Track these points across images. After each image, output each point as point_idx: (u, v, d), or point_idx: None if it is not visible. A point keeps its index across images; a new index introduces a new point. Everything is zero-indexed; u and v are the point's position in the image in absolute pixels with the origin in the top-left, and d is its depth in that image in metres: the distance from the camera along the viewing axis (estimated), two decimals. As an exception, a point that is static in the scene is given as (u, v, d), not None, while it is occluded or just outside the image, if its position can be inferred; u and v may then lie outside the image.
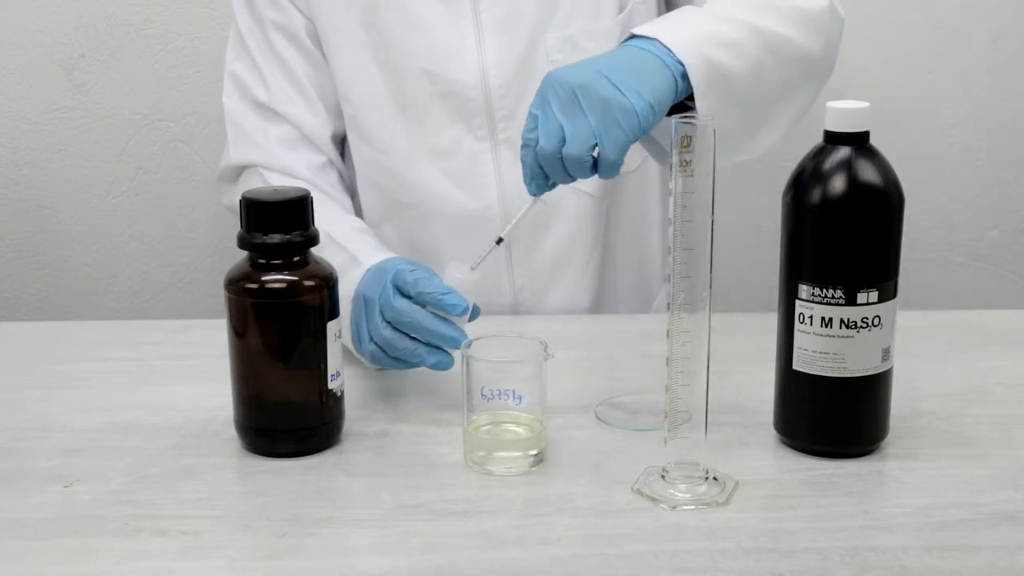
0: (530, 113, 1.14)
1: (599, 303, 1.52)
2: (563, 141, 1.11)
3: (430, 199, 1.45)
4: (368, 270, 1.23)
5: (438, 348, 1.15)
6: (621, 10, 1.43)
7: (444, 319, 1.14)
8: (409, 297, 1.15)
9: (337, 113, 1.47)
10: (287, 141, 1.44)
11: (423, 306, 1.14)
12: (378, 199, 1.47)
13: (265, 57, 1.44)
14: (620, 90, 1.11)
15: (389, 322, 1.15)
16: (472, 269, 1.16)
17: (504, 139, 1.42)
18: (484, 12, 1.39)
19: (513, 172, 1.42)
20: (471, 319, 1.16)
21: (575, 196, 1.46)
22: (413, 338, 1.15)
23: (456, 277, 1.15)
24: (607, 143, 1.11)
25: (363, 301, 1.19)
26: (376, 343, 1.17)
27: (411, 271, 1.15)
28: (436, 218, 1.45)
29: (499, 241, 1.18)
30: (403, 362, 1.17)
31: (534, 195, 1.15)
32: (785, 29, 1.28)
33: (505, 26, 1.40)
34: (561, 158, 1.12)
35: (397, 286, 1.15)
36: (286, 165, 1.41)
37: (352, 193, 1.50)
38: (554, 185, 1.15)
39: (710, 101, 1.17)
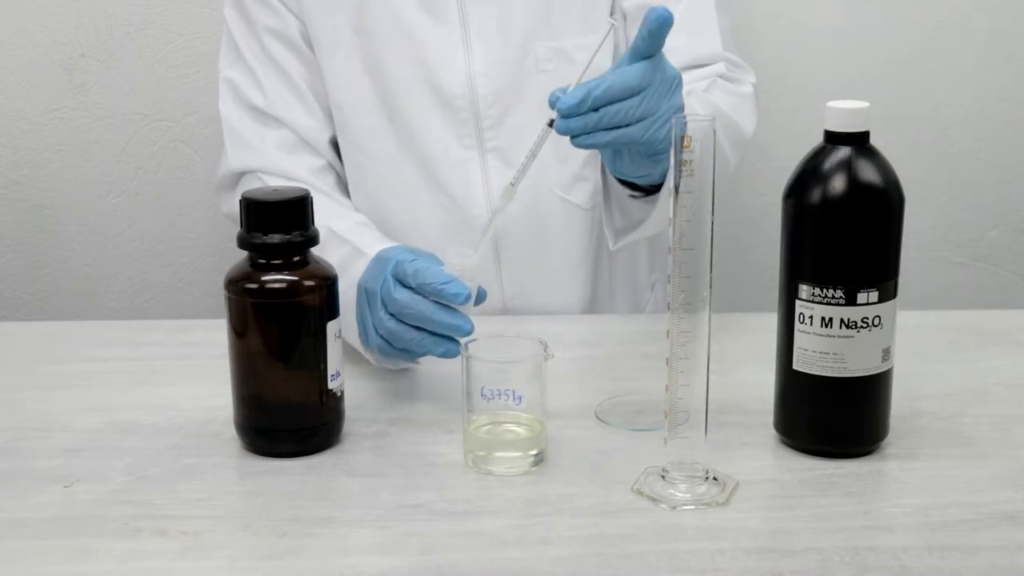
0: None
1: (588, 312, 1.52)
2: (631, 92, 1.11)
3: (418, 205, 1.45)
4: (369, 261, 1.23)
5: (444, 337, 1.14)
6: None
7: (448, 307, 1.12)
8: (410, 288, 1.13)
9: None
10: (285, 145, 1.43)
11: (425, 296, 1.13)
12: (367, 203, 1.47)
13: (260, 62, 1.44)
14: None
15: (392, 314, 1.14)
16: (512, 185, 1.14)
17: (492, 147, 1.42)
18: (473, 20, 1.40)
19: (501, 181, 1.42)
20: (476, 303, 1.14)
21: (564, 208, 1.46)
22: (418, 328, 1.14)
23: (457, 264, 1.13)
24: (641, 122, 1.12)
25: (365, 294, 1.19)
26: (382, 336, 1.16)
27: (411, 261, 1.14)
28: (424, 224, 1.45)
29: (532, 156, 1.15)
30: (410, 353, 1.16)
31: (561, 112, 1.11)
32: (748, 123, 1.43)
33: (494, 35, 1.40)
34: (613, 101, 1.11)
35: (397, 277, 1.14)
36: (285, 169, 1.41)
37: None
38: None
39: (663, 203, 1.27)
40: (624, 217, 1.34)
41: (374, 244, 1.27)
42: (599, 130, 1.10)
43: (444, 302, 1.12)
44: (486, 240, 1.16)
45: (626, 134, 1.11)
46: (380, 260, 1.20)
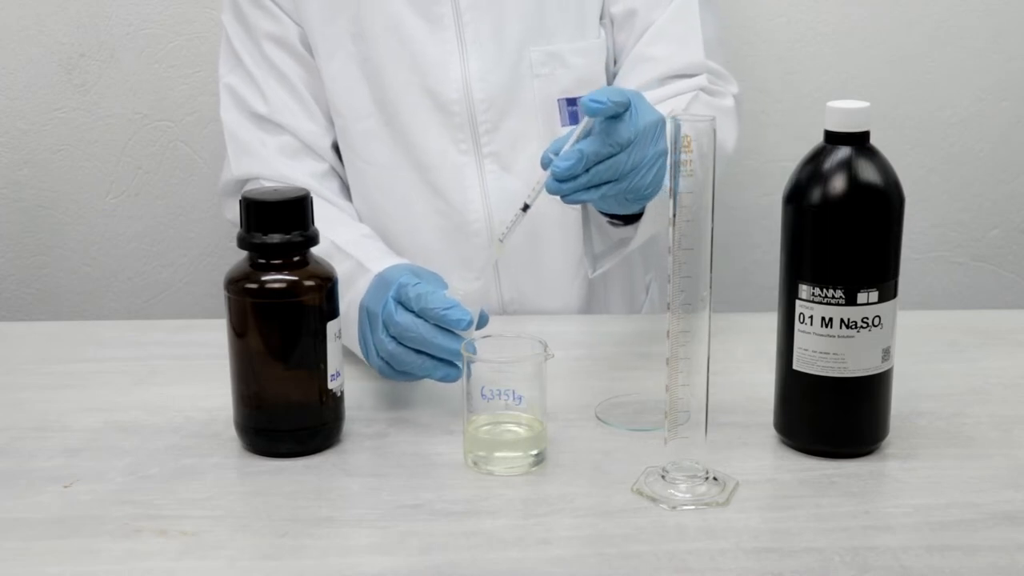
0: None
1: (585, 314, 1.53)
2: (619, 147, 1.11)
3: (416, 210, 1.45)
4: (373, 279, 1.23)
5: (444, 361, 1.13)
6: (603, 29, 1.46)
7: (449, 332, 1.11)
8: (412, 311, 1.13)
9: None
10: (288, 151, 1.43)
11: (426, 320, 1.12)
12: (366, 208, 1.47)
13: (260, 68, 1.44)
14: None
15: (393, 337, 1.14)
16: (500, 241, 1.13)
17: (488, 152, 1.42)
18: (468, 26, 1.40)
19: (497, 185, 1.43)
20: (479, 328, 1.14)
21: (561, 211, 1.46)
22: (419, 352, 1.13)
23: (460, 289, 1.13)
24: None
25: (366, 315, 1.19)
26: (382, 357, 1.16)
27: (414, 285, 1.13)
28: (422, 229, 1.45)
29: (525, 208, 1.13)
30: (411, 375, 1.16)
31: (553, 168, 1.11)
32: (728, 138, 1.43)
33: (489, 41, 1.40)
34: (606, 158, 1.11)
35: (399, 300, 1.13)
36: (288, 175, 1.41)
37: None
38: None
39: (645, 225, 1.30)
40: (604, 240, 1.35)
41: (378, 259, 1.27)
42: (588, 188, 1.11)
43: (446, 327, 1.12)
44: (488, 269, 1.16)
45: (614, 187, 1.12)
46: (383, 281, 1.20)
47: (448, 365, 1.13)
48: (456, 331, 1.11)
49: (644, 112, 1.13)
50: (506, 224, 1.14)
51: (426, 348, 1.12)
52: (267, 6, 1.43)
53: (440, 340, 1.11)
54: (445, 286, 1.14)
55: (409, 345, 1.13)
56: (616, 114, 1.10)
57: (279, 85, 1.44)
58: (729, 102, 1.45)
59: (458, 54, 1.40)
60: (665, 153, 1.14)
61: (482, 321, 1.14)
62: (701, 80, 1.43)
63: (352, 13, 1.41)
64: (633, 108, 1.12)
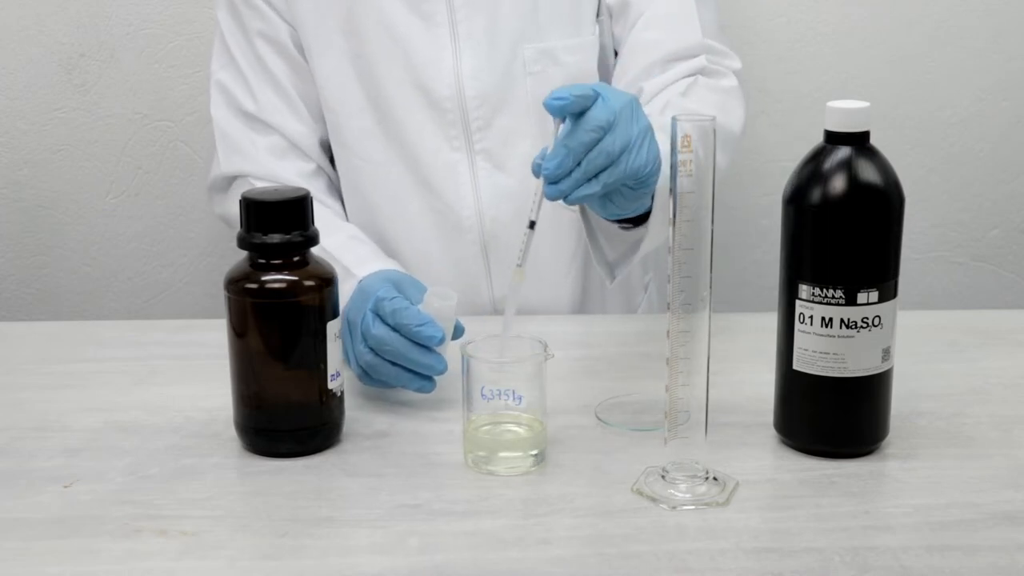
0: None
1: (580, 312, 1.52)
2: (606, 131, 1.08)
3: (409, 207, 1.45)
4: (354, 288, 1.24)
5: (419, 374, 1.16)
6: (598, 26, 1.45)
7: (424, 346, 1.14)
8: (389, 324, 1.15)
9: (323, 120, 1.47)
10: (276, 150, 1.44)
11: (402, 334, 1.14)
12: (360, 205, 1.48)
13: (251, 67, 1.44)
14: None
15: (371, 348, 1.16)
16: (519, 266, 1.12)
17: (480, 149, 1.42)
18: (461, 23, 1.40)
19: (489, 183, 1.43)
20: (454, 339, 1.16)
21: (553, 209, 1.45)
22: (395, 364, 1.15)
23: (435, 305, 1.15)
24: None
25: (347, 324, 1.21)
26: (361, 366, 1.18)
27: (390, 299, 1.15)
28: (415, 226, 1.45)
29: (532, 226, 1.12)
30: (387, 384, 1.18)
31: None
32: (735, 120, 1.41)
33: (482, 38, 1.41)
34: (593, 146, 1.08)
35: (377, 313, 1.16)
36: (276, 174, 1.42)
37: (341, 198, 1.50)
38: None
39: (656, 223, 1.24)
40: (614, 249, 1.34)
41: (364, 264, 1.29)
42: (587, 180, 1.08)
43: (420, 342, 1.14)
44: (510, 322, 1.13)
45: (612, 173, 1.08)
46: (362, 292, 1.22)
47: (423, 378, 1.16)
48: (430, 346, 1.14)
49: (614, 95, 1.10)
50: (519, 249, 1.12)
51: (401, 361, 1.15)
52: (258, 6, 1.43)
53: (415, 355, 1.14)
54: (425, 290, 1.16)
55: (386, 357, 1.15)
56: (583, 108, 1.07)
57: (268, 85, 1.45)
58: (731, 81, 1.43)
59: (451, 51, 1.41)
60: (650, 128, 1.12)
61: (457, 333, 1.17)
62: (700, 62, 1.41)
63: (344, 10, 1.41)
64: (601, 95, 1.08)
